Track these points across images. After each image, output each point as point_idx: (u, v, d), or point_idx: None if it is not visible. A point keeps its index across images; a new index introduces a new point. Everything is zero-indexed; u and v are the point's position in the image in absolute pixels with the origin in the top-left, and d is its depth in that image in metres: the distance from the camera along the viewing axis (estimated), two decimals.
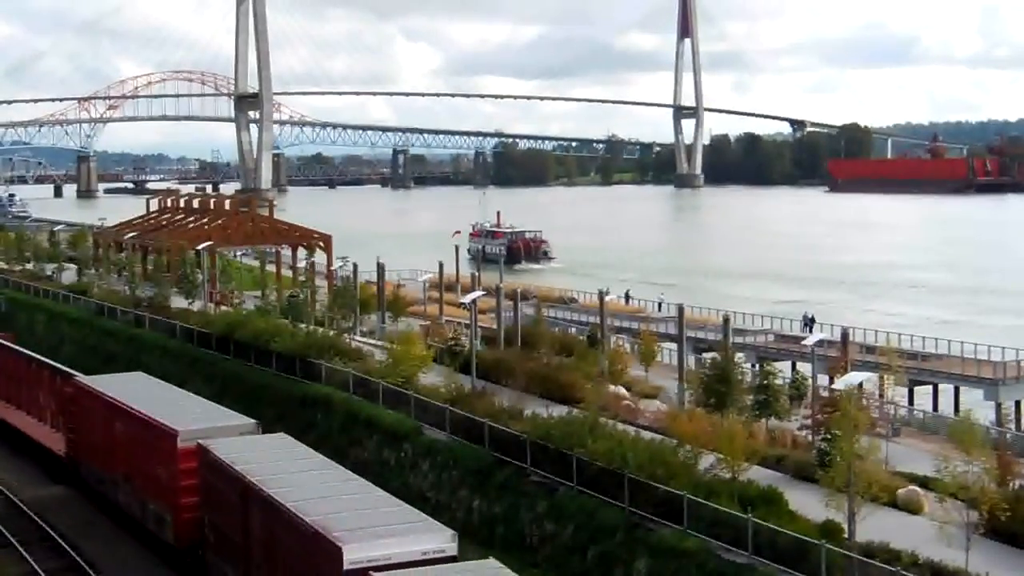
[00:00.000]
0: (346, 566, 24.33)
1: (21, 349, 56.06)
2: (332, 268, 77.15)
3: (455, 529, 26.29)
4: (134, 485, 38.58)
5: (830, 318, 70.60)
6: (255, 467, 30.93)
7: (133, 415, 38.63)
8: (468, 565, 24.53)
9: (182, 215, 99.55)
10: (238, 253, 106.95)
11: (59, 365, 50.83)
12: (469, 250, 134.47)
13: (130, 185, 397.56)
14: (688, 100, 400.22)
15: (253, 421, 37.50)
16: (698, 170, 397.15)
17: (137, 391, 41.69)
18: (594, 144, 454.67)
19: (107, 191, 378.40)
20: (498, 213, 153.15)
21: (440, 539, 25.29)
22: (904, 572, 25.43)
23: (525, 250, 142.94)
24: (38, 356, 53.77)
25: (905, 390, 51.90)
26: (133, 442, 38.49)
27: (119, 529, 39.78)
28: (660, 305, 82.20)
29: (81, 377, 46.36)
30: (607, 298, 55.64)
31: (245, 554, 30.35)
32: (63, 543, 37.90)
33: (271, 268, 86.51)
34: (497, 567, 24.16)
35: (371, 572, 23.64)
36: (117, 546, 38.49)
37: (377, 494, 29.07)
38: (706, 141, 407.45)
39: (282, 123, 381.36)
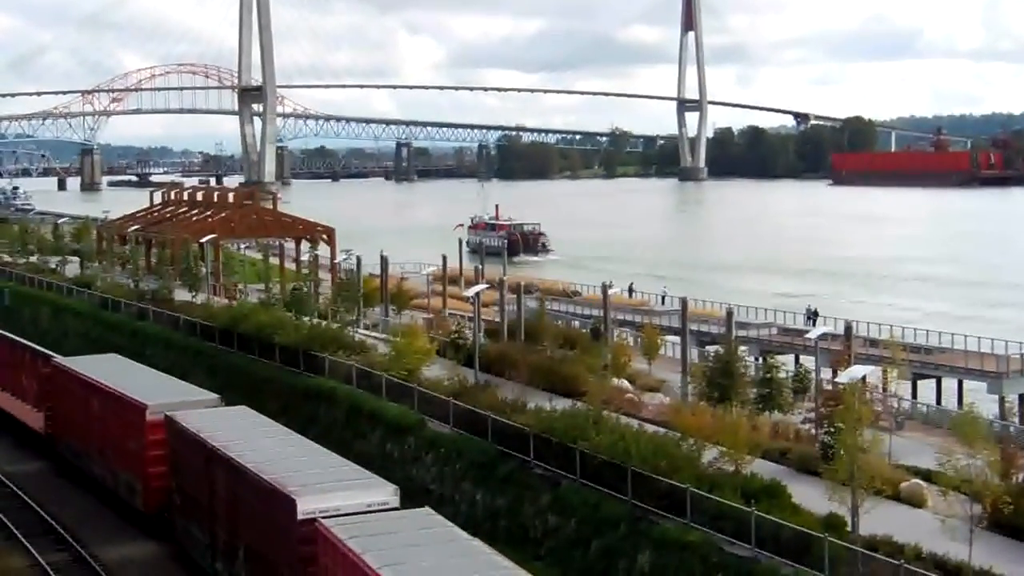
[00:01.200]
0: (299, 516, 27.50)
1: (3, 332, 57.04)
2: (336, 261, 77.21)
3: (458, 523, 26.75)
4: (107, 457, 41.71)
5: (834, 311, 70.61)
6: (218, 434, 33.83)
7: (106, 391, 41.81)
8: (404, 512, 27.76)
9: (186, 208, 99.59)
10: (242, 246, 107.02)
11: (38, 347, 52.35)
12: (468, 243, 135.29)
13: (134, 178, 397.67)
14: (692, 93, 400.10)
15: (216, 396, 40.70)
16: (702, 163, 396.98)
17: (110, 370, 44.89)
18: (597, 137, 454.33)
19: (111, 184, 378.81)
20: (496, 206, 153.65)
21: (384, 493, 28.60)
22: (907, 565, 25.44)
23: (523, 243, 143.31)
24: (20, 339, 54.89)
25: (908, 383, 51.95)
26: (106, 417, 41.56)
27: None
28: (663, 298, 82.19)
29: (58, 358, 48.88)
30: (610, 291, 55.68)
31: (210, 513, 33.26)
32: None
33: (275, 261, 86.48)
34: (429, 513, 27.62)
35: (320, 519, 26.41)
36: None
37: (330, 456, 32.33)
38: (710, 134, 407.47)
39: (285, 116, 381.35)
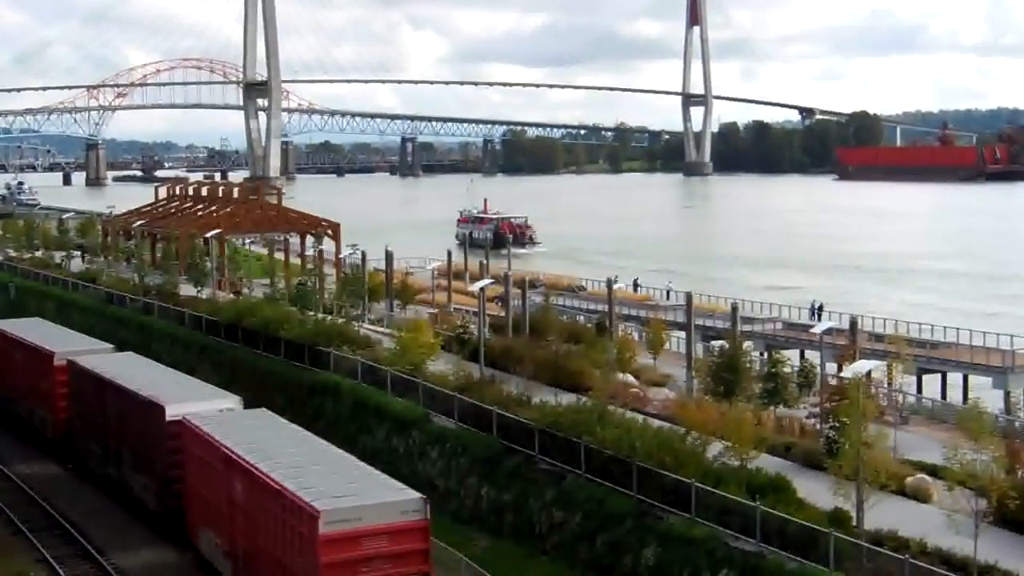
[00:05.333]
0: (167, 418, 37.12)
1: None
2: (340, 256, 77.17)
3: (463, 519, 27.21)
4: (26, 398, 52.23)
5: (839, 306, 70.48)
6: (110, 370, 43.64)
7: (24, 344, 52.50)
8: (245, 412, 38.06)
9: (191, 203, 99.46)
10: (246, 241, 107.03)
11: None
12: (457, 236, 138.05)
13: (139, 173, 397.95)
14: (697, 88, 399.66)
15: (111, 345, 51.75)
16: (707, 158, 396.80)
17: (29, 329, 56.05)
18: (603, 132, 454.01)
19: (116, 179, 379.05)
20: (485, 200, 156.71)
21: (231, 402, 38.78)
22: (913, 560, 25.45)
23: (511, 235, 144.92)
24: None
25: (914, 378, 51.83)
26: (26, 365, 52.11)
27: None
28: (668, 293, 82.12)
29: None
30: (615, 286, 55.65)
31: (102, 430, 43.21)
32: None
33: (280, 256, 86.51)
34: (265, 411, 37.75)
35: (184, 418, 36.08)
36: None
37: (192, 380, 43.61)
38: (715, 129, 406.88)
39: (290, 111, 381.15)
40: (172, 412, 36.94)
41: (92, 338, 54.47)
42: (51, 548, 37.18)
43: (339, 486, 28.54)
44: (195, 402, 38.02)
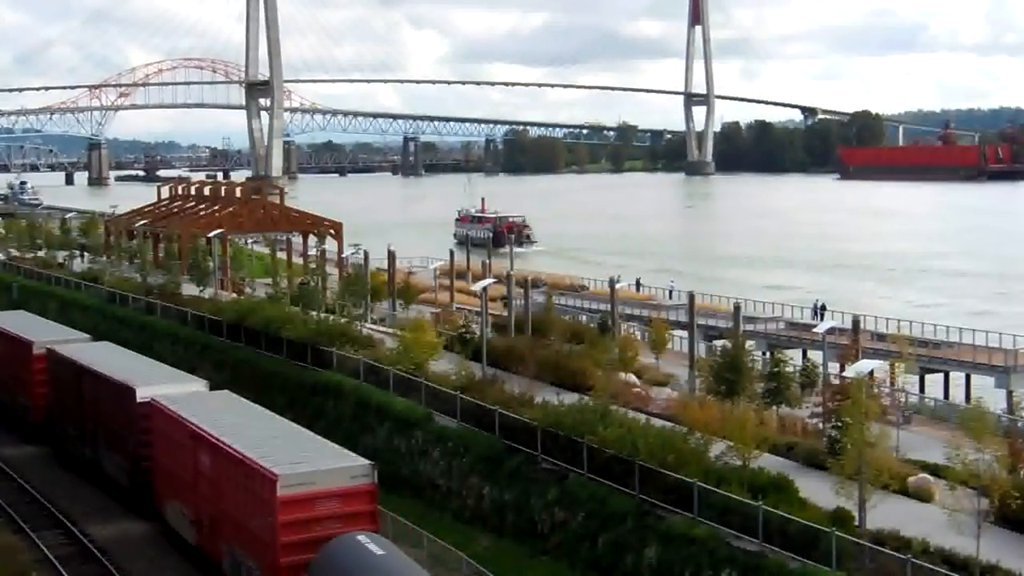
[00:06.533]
0: (138, 399, 39.87)
1: None
2: (343, 255, 77.17)
3: (464, 518, 27.27)
4: (8, 386, 54.94)
5: (841, 306, 70.45)
6: (86, 357, 46.55)
7: (5, 335, 55.01)
8: (210, 393, 41.15)
9: (193, 203, 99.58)
10: (249, 240, 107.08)
11: None
12: (455, 235, 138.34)
13: (141, 172, 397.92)
14: (699, 87, 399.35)
15: (88, 335, 54.53)
16: (709, 157, 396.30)
17: (12, 320, 58.58)
18: (605, 131, 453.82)
19: (118, 179, 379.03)
20: (483, 199, 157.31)
21: (198, 385, 41.92)
22: (915, 560, 25.45)
23: (512, 235, 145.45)
24: None
25: (916, 378, 51.78)
26: (7, 354, 54.74)
27: None
28: (671, 292, 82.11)
29: None
30: (617, 286, 55.66)
31: (79, 413, 45.93)
32: None
33: (282, 255, 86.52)
34: (229, 394, 40.83)
35: (153, 399, 38.74)
36: None
37: (164, 366, 46.71)
38: (717, 128, 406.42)
39: (293, 111, 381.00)
40: (142, 394, 39.67)
41: (70, 328, 57.63)
42: (30, 522, 39.81)
43: (295, 454, 31.57)
44: (164, 385, 40.99)
